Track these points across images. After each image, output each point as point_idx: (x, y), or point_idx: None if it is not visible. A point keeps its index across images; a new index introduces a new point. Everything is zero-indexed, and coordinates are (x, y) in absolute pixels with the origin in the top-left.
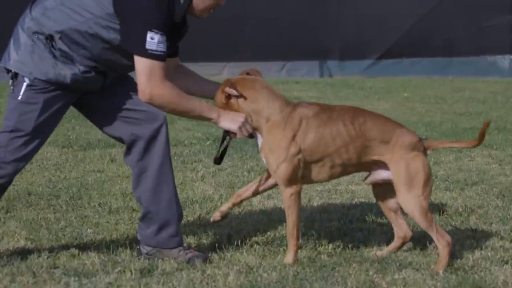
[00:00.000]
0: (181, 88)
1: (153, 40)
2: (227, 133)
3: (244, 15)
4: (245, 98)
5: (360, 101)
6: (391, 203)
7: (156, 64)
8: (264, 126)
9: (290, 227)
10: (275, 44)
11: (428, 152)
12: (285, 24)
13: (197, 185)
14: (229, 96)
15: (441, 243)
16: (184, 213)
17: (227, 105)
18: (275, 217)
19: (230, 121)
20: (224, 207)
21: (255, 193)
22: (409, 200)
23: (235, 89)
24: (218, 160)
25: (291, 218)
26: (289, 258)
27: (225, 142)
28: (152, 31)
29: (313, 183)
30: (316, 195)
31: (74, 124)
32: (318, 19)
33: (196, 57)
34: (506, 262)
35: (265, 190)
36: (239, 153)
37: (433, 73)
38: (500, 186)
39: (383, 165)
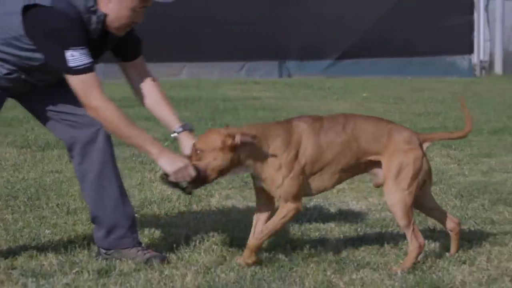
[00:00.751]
0: (140, 96)
1: (74, 57)
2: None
3: (203, 16)
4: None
5: (319, 101)
6: (426, 202)
7: (86, 77)
8: (266, 156)
9: (266, 232)
10: (235, 45)
11: (426, 145)
12: (244, 25)
13: (155, 185)
14: (234, 147)
15: (413, 244)
16: (142, 213)
17: (222, 152)
18: (233, 217)
19: (168, 163)
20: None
21: None
22: (393, 193)
23: (248, 136)
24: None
25: (275, 226)
26: (244, 257)
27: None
28: (69, 50)
29: (315, 194)
30: None
31: (32, 125)
32: (277, 20)
33: (155, 57)
34: (464, 262)
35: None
36: None
37: (392, 73)
38: (458, 186)
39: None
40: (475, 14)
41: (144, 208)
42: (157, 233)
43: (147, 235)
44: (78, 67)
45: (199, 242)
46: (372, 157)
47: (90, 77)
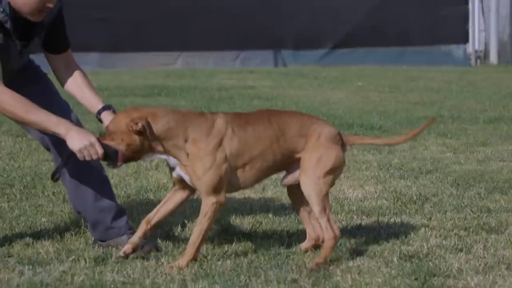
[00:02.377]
0: (63, 81)
1: None
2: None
3: (198, 5)
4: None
5: (314, 90)
6: (306, 204)
7: None
8: (184, 145)
9: (196, 235)
10: (230, 34)
11: (347, 147)
12: (239, 14)
13: (151, 174)
14: (138, 132)
15: (328, 234)
16: (138, 201)
17: (128, 135)
18: (229, 206)
19: (74, 141)
20: (135, 238)
21: (166, 214)
22: (309, 181)
23: (149, 126)
24: (54, 176)
25: (202, 226)
26: (181, 262)
27: (63, 161)
28: None
29: (240, 189)
30: (271, 183)
31: None
32: (273, 9)
33: (150, 47)
34: (461, 250)
35: (175, 209)
36: None
37: (387, 63)
38: (454, 174)
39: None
40: (470, 4)
41: (140, 197)
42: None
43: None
44: None
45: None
46: (298, 155)
47: None
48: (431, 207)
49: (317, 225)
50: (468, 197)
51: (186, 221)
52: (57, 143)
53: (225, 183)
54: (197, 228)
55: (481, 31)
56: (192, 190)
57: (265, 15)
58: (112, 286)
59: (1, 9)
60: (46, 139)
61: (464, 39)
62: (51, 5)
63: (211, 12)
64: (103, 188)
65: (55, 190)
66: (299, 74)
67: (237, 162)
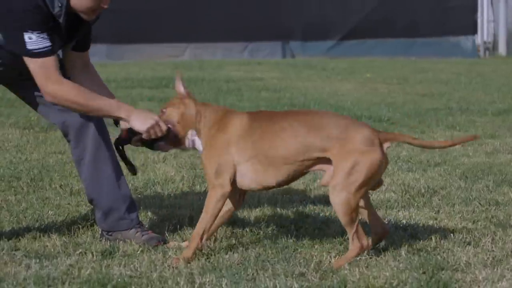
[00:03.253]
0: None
1: (32, 40)
2: (121, 140)
3: None
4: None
5: (323, 82)
6: (363, 201)
7: (46, 60)
8: (205, 127)
9: (198, 224)
10: (237, 25)
11: (386, 145)
12: (247, 5)
13: (158, 166)
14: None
15: (354, 245)
16: (146, 194)
17: (181, 102)
18: None
19: (140, 121)
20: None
21: (217, 225)
22: (338, 193)
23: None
24: (133, 169)
25: (202, 215)
26: (186, 253)
27: (123, 149)
28: (28, 32)
29: (258, 189)
30: None
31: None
32: (281, 0)
33: (157, 39)
34: (469, 243)
35: (226, 217)
36: None
37: (396, 54)
38: (462, 167)
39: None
40: None
41: (148, 189)
42: (161, 214)
43: (150, 216)
44: (35, 50)
45: None
46: (321, 154)
47: (48, 61)
48: (439, 200)
49: (380, 219)
50: (477, 190)
51: (194, 215)
52: (79, 128)
53: (229, 173)
54: (201, 218)
55: (490, 22)
56: (239, 196)
57: (273, 6)
58: (119, 279)
59: (59, 4)
60: (67, 124)
61: (473, 30)
62: (105, 6)
63: (219, 4)
64: (121, 178)
65: (62, 183)
66: (307, 65)
67: (247, 154)
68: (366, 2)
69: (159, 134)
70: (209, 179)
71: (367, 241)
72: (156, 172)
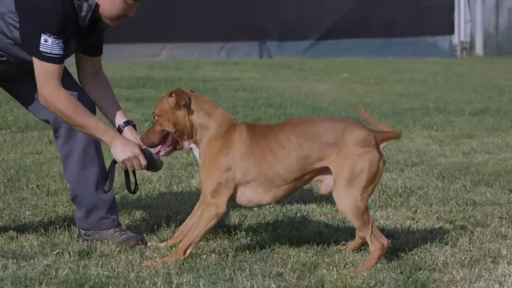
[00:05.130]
0: (89, 89)
1: (47, 42)
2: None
3: None
4: (195, 111)
5: (300, 82)
6: None
7: (51, 66)
8: (204, 139)
9: (187, 238)
10: (214, 25)
11: (383, 145)
12: (224, 5)
13: None
14: (177, 105)
15: (374, 245)
16: (123, 194)
17: (171, 113)
18: None
19: (120, 150)
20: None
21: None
22: (344, 199)
23: (189, 99)
24: (133, 189)
25: (193, 232)
26: (167, 259)
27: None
28: (46, 34)
29: (249, 206)
30: None
31: (12, 106)
32: (258, 0)
33: (135, 39)
34: (446, 243)
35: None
36: None
37: (373, 54)
38: (440, 167)
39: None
40: None
41: (125, 190)
42: (138, 214)
43: (128, 216)
44: (46, 54)
45: (180, 224)
46: (320, 164)
47: (54, 68)
48: (416, 200)
49: None
50: (454, 190)
51: (171, 215)
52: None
53: (228, 194)
54: (190, 232)
55: (467, 22)
56: None
57: (250, 7)
58: (96, 280)
59: (88, 8)
60: (60, 120)
61: (450, 30)
62: (131, 15)
63: (196, 4)
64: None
65: (39, 183)
66: (284, 65)
67: (244, 177)
68: (342, 2)
69: (137, 168)
70: (205, 195)
71: (386, 240)
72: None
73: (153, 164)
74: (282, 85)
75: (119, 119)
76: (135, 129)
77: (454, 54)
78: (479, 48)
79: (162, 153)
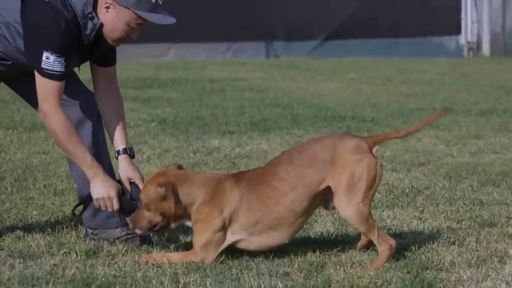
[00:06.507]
0: (100, 103)
1: (49, 60)
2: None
3: None
4: (181, 195)
5: (306, 82)
6: None
7: (51, 83)
8: (195, 209)
9: (167, 257)
10: (221, 26)
11: (375, 149)
12: (231, 5)
13: (142, 166)
14: (164, 198)
15: (382, 246)
16: None
17: (159, 203)
18: None
19: (97, 188)
20: None
21: None
22: (346, 206)
23: (175, 193)
24: (125, 212)
25: (173, 260)
26: (143, 257)
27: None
28: (48, 52)
29: (264, 250)
30: None
31: (19, 106)
32: (265, 0)
33: (141, 39)
34: (453, 243)
35: None
36: (184, 134)
37: (379, 54)
38: (447, 167)
39: None
40: None
41: None
42: None
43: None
44: (47, 71)
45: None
46: (324, 185)
47: (54, 85)
48: (423, 199)
49: None
50: (461, 190)
51: None
52: (76, 125)
53: (217, 250)
54: (174, 257)
55: (474, 22)
56: None
57: (257, 7)
58: (103, 279)
59: (92, 27)
60: None
61: (457, 30)
62: (134, 37)
63: (202, 4)
64: (112, 176)
65: (46, 183)
66: (291, 65)
67: (254, 229)
68: (349, 2)
69: (109, 209)
70: (194, 244)
71: (393, 240)
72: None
73: (130, 210)
74: (288, 85)
75: (119, 145)
76: (133, 157)
77: (460, 55)
78: (486, 49)
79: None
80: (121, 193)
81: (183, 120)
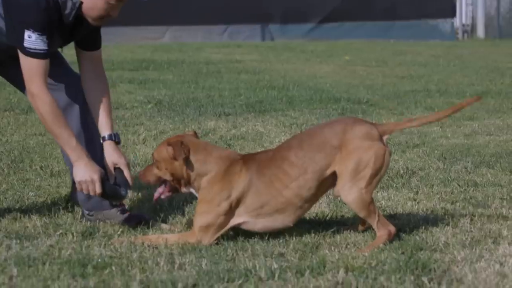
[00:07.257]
0: (86, 88)
1: (30, 38)
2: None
3: None
4: (193, 161)
5: (302, 64)
6: None
7: (36, 62)
8: (204, 183)
9: (160, 241)
10: (217, 8)
11: (386, 137)
12: None
13: (138, 148)
14: (174, 158)
15: (381, 231)
16: None
17: (169, 162)
18: None
19: (80, 171)
20: None
21: None
22: (349, 192)
23: (188, 152)
24: (107, 197)
25: (167, 242)
26: (138, 239)
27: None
28: (29, 30)
29: (273, 230)
30: None
31: (15, 88)
32: None
33: (137, 21)
34: (447, 224)
35: None
36: (180, 116)
37: (374, 37)
38: (441, 148)
39: None
40: None
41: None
42: (140, 195)
43: (130, 197)
44: (30, 50)
45: (182, 204)
46: (330, 170)
47: (39, 63)
48: (418, 181)
49: None
50: (455, 171)
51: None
52: (64, 108)
53: (216, 234)
54: (170, 237)
55: (468, 5)
56: None
57: None
58: (99, 260)
59: (72, 6)
60: None
61: (451, 13)
62: (114, 15)
63: None
64: (104, 158)
65: (42, 165)
66: (287, 48)
67: (261, 211)
68: None
69: (91, 193)
70: (194, 224)
71: (393, 227)
72: (136, 153)
73: (113, 195)
74: (284, 68)
75: (104, 131)
76: (118, 143)
77: (455, 37)
78: (480, 31)
79: (163, 197)
80: (105, 178)
81: (179, 101)
